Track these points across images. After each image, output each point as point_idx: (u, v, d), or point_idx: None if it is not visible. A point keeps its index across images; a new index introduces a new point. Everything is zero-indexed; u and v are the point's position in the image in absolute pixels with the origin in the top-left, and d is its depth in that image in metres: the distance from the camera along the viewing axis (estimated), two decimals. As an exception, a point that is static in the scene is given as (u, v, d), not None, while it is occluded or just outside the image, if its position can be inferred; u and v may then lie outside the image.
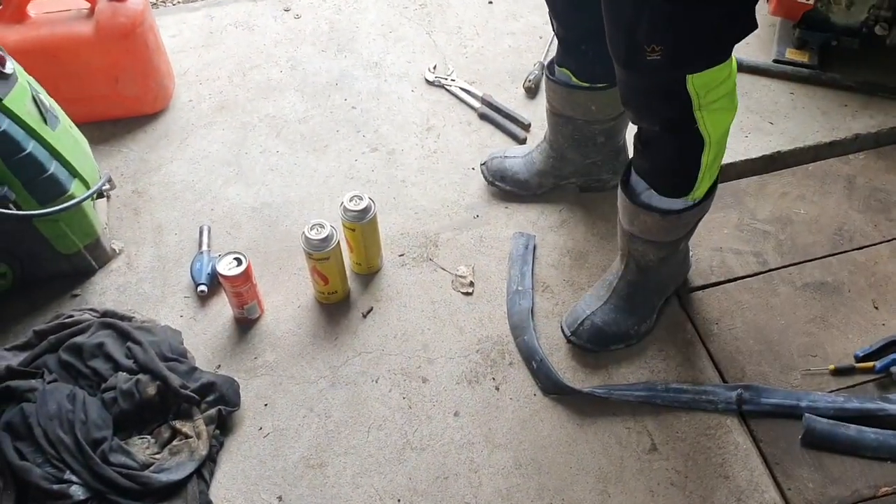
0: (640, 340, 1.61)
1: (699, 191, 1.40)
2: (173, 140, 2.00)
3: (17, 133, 1.49)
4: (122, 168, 1.94)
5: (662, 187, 1.42)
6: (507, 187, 1.86)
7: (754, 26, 1.19)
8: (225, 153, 1.98)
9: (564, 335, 1.61)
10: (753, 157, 1.93)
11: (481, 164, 1.90)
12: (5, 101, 1.46)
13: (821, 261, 1.72)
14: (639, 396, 1.51)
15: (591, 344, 1.58)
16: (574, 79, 1.64)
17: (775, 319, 1.63)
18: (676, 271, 1.64)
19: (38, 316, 1.68)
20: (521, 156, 1.87)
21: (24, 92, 1.52)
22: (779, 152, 1.93)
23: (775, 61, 2.12)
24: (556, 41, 1.69)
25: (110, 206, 1.86)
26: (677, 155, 1.38)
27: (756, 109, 2.03)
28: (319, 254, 1.58)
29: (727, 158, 1.91)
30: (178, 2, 2.49)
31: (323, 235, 1.57)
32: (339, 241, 1.60)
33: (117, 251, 1.78)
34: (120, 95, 1.96)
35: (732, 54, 1.25)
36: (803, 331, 1.61)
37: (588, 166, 1.80)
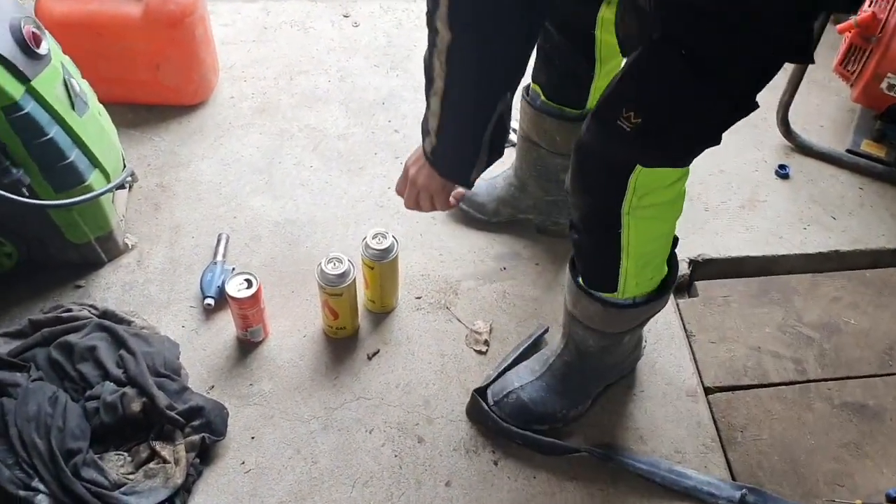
0: (566, 425, 1.49)
1: (626, 293, 1.28)
2: (207, 137, 1.93)
3: (42, 117, 1.42)
4: (151, 158, 1.88)
5: (586, 277, 1.31)
6: (463, 206, 1.80)
7: (717, 142, 1.08)
8: (258, 159, 1.90)
9: (486, 403, 1.49)
10: (809, 252, 1.81)
11: None
12: (33, 83, 1.39)
13: (865, 380, 1.59)
14: (640, 469, 1.42)
15: (511, 419, 1.47)
16: (543, 96, 1.55)
17: (805, 438, 1.51)
18: (621, 360, 1.52)
19: (37, 302, 1.62)
20: (486, 178, 1.77)
21: (56, 75, 1.46)
22: (837, 251, 1.81)
23: (848, 151, 1.99)
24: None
25: (131, 198, 1.79)
26: (594, 251, 1.28)
27: (820, 200, 1.91)
28: (333, 289, 1.49)
29: (780, 250, 1.81)
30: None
31: (340, 271, 1.48)
32: (355, 278, 1.51)
33: (130, 246, 1.71)
34: (160, 83, 1.90)
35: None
36: (834, 455, 1.49)
37: (548, 204, 1.73)
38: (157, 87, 1.91)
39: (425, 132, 1.19)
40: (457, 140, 1.18)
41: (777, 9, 0.93)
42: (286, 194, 1.84)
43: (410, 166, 1.29)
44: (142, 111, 1.95)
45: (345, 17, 2.23)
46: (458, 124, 1.15)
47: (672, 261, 1.33)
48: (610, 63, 1.48)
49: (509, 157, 1.94)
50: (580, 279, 1.32)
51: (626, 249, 1.21)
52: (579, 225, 1.26)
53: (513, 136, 1.97)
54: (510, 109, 1.15)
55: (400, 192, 1.35)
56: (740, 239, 1.82)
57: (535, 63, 1.57)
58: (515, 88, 1.12)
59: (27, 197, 1.46)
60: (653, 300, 1.32)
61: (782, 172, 1.96)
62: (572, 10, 1.42)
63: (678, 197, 1.21)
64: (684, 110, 1.05)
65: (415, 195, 1.30)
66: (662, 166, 1.12)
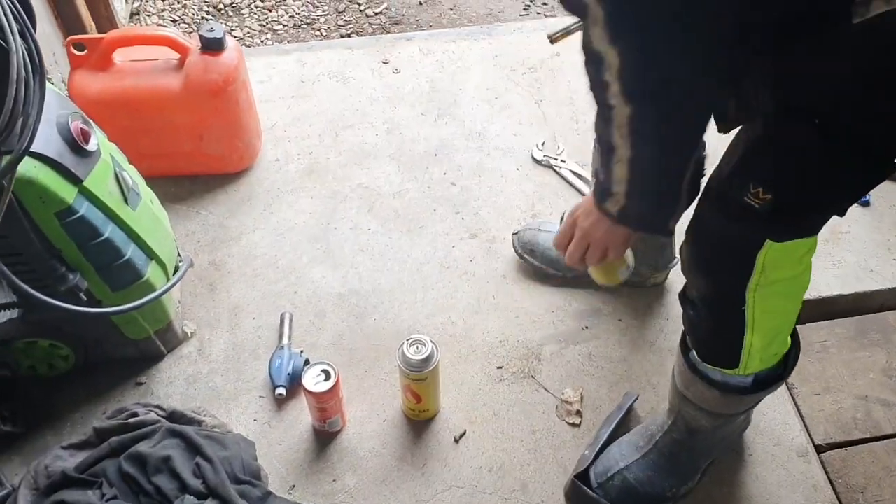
0: (677, 503, 1.39)
1: (749, 369, 1.18)
2: (256, 205, 1.83)
3: (96, 217, 1.32)
4: (200, 234, 1.78)
5: (702, 353, 1.21)
6: (535, 262, 1.70)
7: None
8: (312, 226, 1.80)
9: (590, 485, 1.38)
10: (903, 285, 1.71)
11: (513, 234, 1.73)
12: (86, 183, 1.29)
13: None
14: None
15: (618, 502, 1.36)
16: None
17: (932, 495, 1.41)
18: (731, 434, 1.42)
19: (98, 403, 1.52)
20: (556, 231, 1.68)
21: (107, 169, 1.36)
22: (932, 282, 1.70)
23: (930, 171, 1.88)
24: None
25: (184, 280, 1.69)
26: (715, 328, 1.18)
27: (907, 226, 1.80)
28: (417, 374, 1.40)
29: (873, 285, 1.70)
30: (268, 39, 2.32)
31: (423, 356, 1.38)
32: (439, 362, 1.41)
33: (189, 335, 1.61)
34: (203, 153, 1.80)
35: None
36: (965, 514, 1.39)
37: None
38: (201, 158, 1.81)
39: (606, 193, 1.04)
40: (650, 197, 1.04)
41: None
42: (346, 262, 1.74)
43: (581, 220, 1.15)
44: (185, 183, 1.85)
45: (384, 63, 2.12)
46: (650, 185, 1.02)
47: (795, 335, 1.23)
48: None
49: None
50: (693, 355, 1.22)
51: (752, 326, 1.12)
52: (698, 303, 1.16)
53: (583, 188, 1.87)
54: (705, 152, 1.04)
55: (560, 245, 1.21)
56: (829, 275, 1.72)
57: None
58: (703, 135, 0.99)
59: (85, 300, 1.37)
60: (775, 382, 1.22)
61: (862, 199, 1.85)
62: None
63: (806, 269, 1.12)
64: (820, 181, 0.96)
65: (583, 248, 1.16)
66: (797, 238, 1.03)
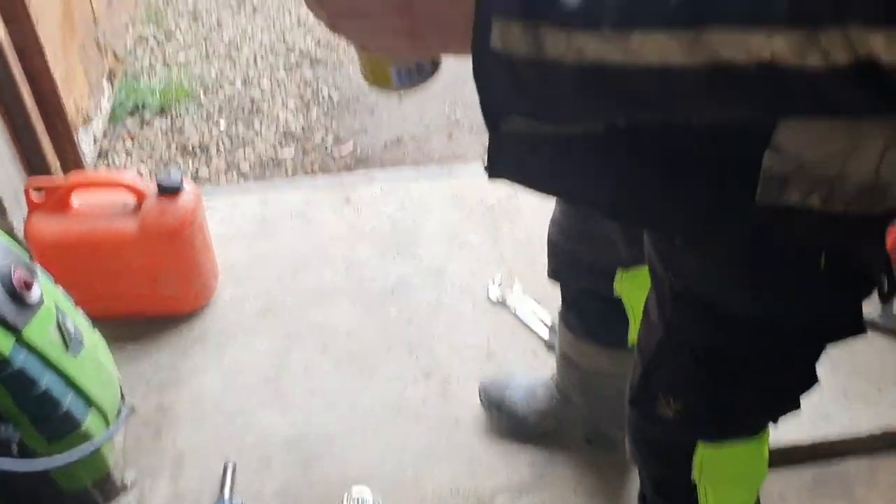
0: None
1: None
2: (209, 346, 1.82)
3: (34, 368, 1.30)
4: (149, 376, 1.75)
5: None
6: (500, 422, 1.64)
7: (796, 407, 1.00)
8: (265, 368, 1.78)
9: None
10: (860, 431, 1.68)
11: (480, 385, 1.67)
12: (24, 332, 1.28)
13: (950, 587, 1.44)
14: None
15: None
16: (577, 332, 1.43)
17: None
18: None
19: (28, 560, 1.46)
20: (524, 386, 1.63)
21: (49, 317, 1.35)
22: (889, 430, 1.68)
23: (881, 316, 1.89)
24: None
25: (129, 425, 1.65)
26: None
27: (861, 371, 1.79)
28: (359, 531, 1.35)
29: (829, 431, 1.68)
30: (234, 178, 2.36)
31: (364, 511, 1.35)
32: (382, 517, 1.37)
33: (129, 485, 1.56)
34: (158, 295, 1.80)
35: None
36: None
37: (594, 419, 1.59)
38: (155, 299, 1.81)
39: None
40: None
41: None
42: (297, 405, 1.71)
43: None
44: (137, 324, 1.84)
45: (346, 202, 2.16)
46: None
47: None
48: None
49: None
50: None
51: None
52: (650, 491, 1.14)
53: (538, 329, 1.87)
54: None
55: None
56: (784, 422, 1.69)
57: (563, 308, 1.46)
58: None
59: (17, 452, 1.33)
60: None
61: (817, 341, 1.85)
62: (587, 283, 1.35)
63: (757, 469, 1.09)
64: (720, 400, 0.95)
65: (361, 15, 0.64)
66: (730, 439, 1.01)
